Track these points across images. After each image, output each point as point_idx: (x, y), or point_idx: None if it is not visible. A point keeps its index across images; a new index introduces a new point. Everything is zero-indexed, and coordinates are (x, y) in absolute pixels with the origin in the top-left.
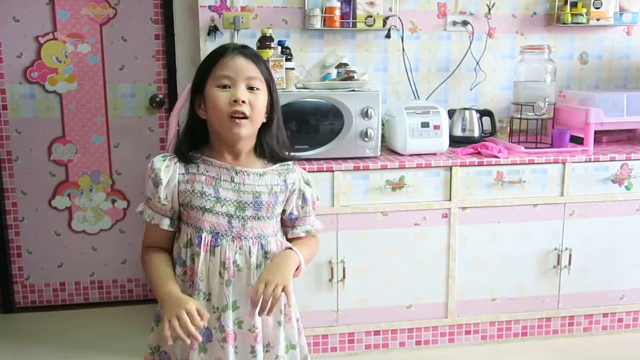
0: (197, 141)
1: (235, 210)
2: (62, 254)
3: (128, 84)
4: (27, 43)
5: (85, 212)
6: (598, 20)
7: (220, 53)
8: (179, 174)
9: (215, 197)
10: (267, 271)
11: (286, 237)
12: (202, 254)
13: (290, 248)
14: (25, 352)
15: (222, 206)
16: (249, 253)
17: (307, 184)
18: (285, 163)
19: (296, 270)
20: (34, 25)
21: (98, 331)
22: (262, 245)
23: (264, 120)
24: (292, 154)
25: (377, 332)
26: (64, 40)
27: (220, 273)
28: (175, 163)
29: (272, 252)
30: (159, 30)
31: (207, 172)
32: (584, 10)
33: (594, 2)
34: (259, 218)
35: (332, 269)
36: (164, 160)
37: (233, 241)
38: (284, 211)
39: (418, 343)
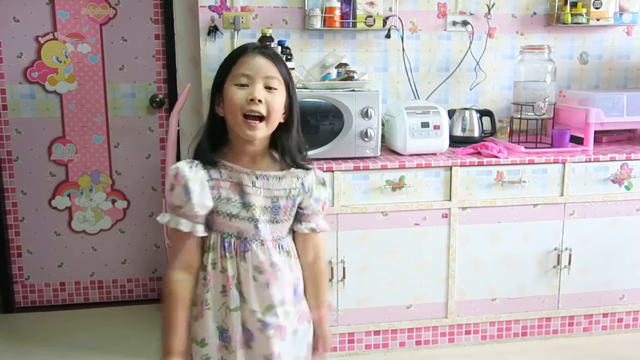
0: (217, 142)
1: (260, 214)
2: (62, 254)
3: (128, 84)
4: (27, 43)
5: (85, 212)
6: (598, 20)
7: (240, 52)
8: (206, 180)
9: (241, 202)
10: None
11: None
12: (233, 257)
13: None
14: (25, 352)
15: (247, 211)
16: (270, 255)
17: (322, 184)
18: (306, 163)
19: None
20: (34, 25)
21: (98, 331)
22: (281, 246)
23: (282, 121)
24: (306, 152)
25: (377, 332)
26: (64, 40)
27: (254, 277)
28: (200, 169)
29: (289, 251)
30: (159, 30)
31: (230, 178)
32: (584, 10)
33: (594, 2)
34: (277, 222)
35: (332, 269)
36: (191, 167)
37: (262, 244)
38: (299, 208)
39: (418, 343)
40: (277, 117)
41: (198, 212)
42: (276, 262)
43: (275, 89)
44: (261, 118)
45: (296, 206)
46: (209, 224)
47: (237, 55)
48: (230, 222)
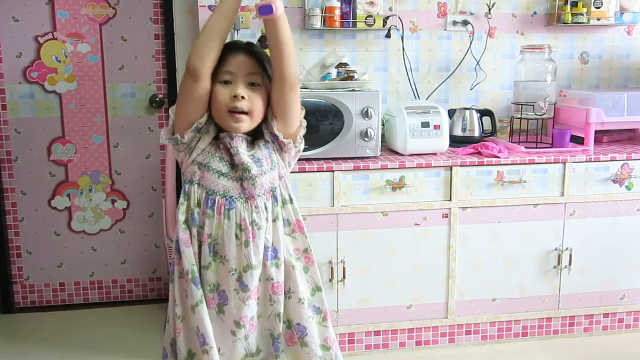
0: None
1: (243, 172)
2: (62, 254)
3: (128, 83)
4: (27, 43)
5: (85, 212)
6: (598, 19)
7: (226, 50)
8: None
9: (231, 163)
10: None
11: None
12: (216, 216)
13: None
14: (25, 352)
15: (236, 172)
16: (265, 209)
17: None
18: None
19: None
20: (34, 25)
21: (97, 331)
22: (276, 197)
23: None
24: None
25: (377, 332)
26: (63, 40)
27: (236, 235)
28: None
29: (281, 200)
30: (159, 30)
31: (224, 141)
32: (585, 10)
33: (594, 2)
34: (264, 173)
35: (332, 269)
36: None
37: (247, 202)
38: (278, 132)
39: (418, 343)
40: (261, 111)
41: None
42: (257, 221)
43: (258, 85)
44: (245, 112)
45: (274, 151)
46: (197, 179)
47: (222, 53)
48: (219, 180)
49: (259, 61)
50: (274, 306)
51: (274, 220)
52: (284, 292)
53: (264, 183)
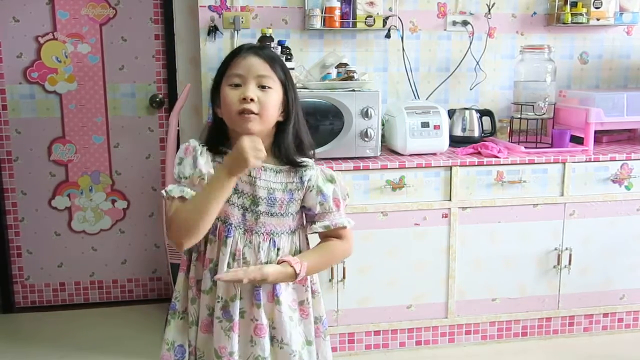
0: (221, 139)
1: (250, 203)
2: (62, 254)
3: (128, 84)
4: (27, 43)
5: (85, 212)
6: (598, 20)
7: (235, 52)
8: (210, 161)
9: (233, 188)
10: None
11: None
12: (216, 242)
13: (292, 265)
14: (25, 352)
15: (238, 198)
16: (258, 248)
17: (329, 180)
18: (304, 160)
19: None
20: (34, 25)
21: (98, 331)
22: (274, 242)
23: (280, 119)
24: (312, 152)
25: (377, 332)
26: (63, 40)
27: (229, 264)
28: (206, 149)
29: (284, 250)
30: (159, 30)
31: None
32: (584, 10)
33: (594, 2)
34: (272, 214)
35: (332, 269)
36: (200, 144)
37: (244, 234)
38: (305, 207)
39: (418, 343)
40: (272, 114)
41: (203, 180)
42: (246, 255)
43: (269, 87)
44: (256, 113)
45: (295, 201)
46: None
47: (231, 56)
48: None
49: (270, 64)
50: (254, 348)
51: (265, 264)
52: (277, 341)
53: (266, 223)
